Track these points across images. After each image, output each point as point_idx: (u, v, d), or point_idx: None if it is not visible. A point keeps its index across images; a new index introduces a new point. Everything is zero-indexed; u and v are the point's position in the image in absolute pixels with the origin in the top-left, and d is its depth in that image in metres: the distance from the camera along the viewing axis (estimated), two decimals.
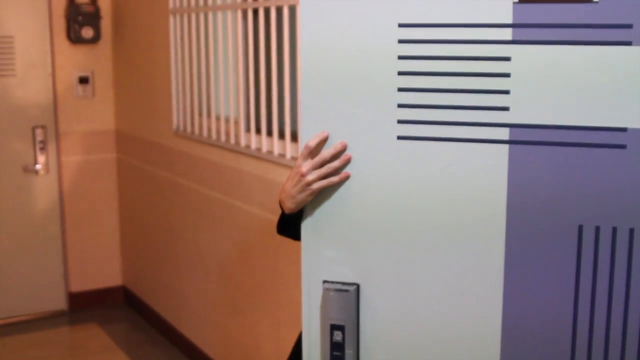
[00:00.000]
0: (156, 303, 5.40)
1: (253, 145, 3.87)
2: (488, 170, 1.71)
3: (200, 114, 4.41)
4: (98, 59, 5.61)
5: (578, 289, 1.67)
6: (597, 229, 1.65)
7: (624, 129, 1.62)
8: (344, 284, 1.84)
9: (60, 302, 5.72)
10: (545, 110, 1.66)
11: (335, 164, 1.81)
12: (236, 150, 4.02)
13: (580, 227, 1.66)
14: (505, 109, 1.68)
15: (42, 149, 5.44)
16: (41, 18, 5.39)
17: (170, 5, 4.61)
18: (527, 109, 1.67)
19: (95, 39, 5.52)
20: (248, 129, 3.97)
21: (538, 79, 1.66)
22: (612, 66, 1.61)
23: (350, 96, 1.80)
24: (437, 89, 1.73)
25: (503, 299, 1.73)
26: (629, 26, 1.59)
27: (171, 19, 4.63)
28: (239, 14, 3.95)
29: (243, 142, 3.96)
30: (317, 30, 1.82)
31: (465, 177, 1.73)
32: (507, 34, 1.67)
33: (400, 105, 1.77)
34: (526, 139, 1.67)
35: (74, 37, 5.45)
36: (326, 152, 1.81)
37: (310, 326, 1.89)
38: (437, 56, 1.73)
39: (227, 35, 4.04)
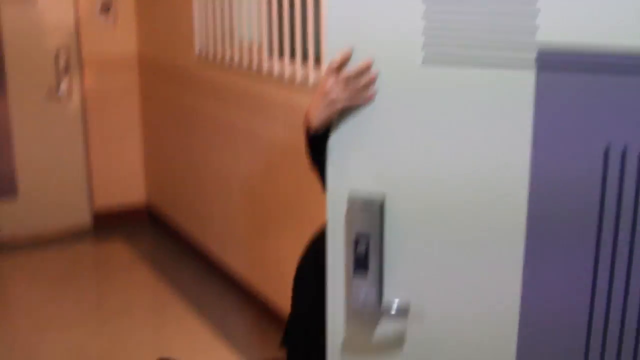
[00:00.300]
0: (180, 221, 5.52)
1: (276, 71, 3.92)
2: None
3: (223, 38, 4.45)
4: None
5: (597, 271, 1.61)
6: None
7: None
8: (369, 193, 1.80)
9: (85, 219, 5.89)
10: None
11: (360, 82, 1.74)
12: (259, 75, 4.08)
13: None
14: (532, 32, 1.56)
15: (65, 73, 5.53)
16: None
17: None
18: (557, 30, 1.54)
19: None
20: (271, 54, 4.00)
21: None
22: None
23: (376, 15, 1.72)
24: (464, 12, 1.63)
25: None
26: None
27: None
28: None
29: (266, 67, 4.00)
30: None
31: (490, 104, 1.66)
32: None
33: (426, 28, 1.67)
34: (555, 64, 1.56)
35: None
36: (351, 70, 1.74)
37: (335, 236, 1.86)
38: None
39: None
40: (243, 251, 4.57)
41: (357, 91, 1.75)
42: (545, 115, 1.58)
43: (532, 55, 1.56)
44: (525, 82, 1.58)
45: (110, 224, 5.92)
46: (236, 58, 4.31)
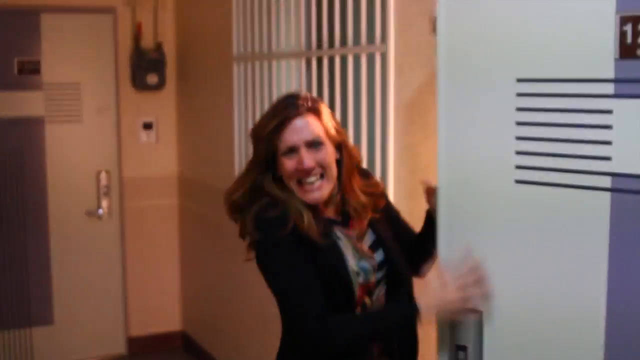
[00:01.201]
0: (216, 350, 5.37)
1: None
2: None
3: None
4: (162, 105, 5.66)
5: None
6: None
7: None
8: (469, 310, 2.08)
9: (120, 346, 5.73)
10: None
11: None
12: None
13: None
14: (608, 158, 1.78)
15: (105, 193, 5.49)
16: (107, 64, 5.47)
17: (235, 52, 4.63)
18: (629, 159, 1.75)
19: (160, 85, 5.58)
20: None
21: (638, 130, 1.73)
22: None
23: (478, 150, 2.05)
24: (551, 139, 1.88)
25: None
26: None
27: (235, 66, 4.65)
28: (303, 63, 3.95)
29: None
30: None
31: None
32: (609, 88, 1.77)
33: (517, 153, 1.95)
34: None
35: (139, 83, 5.51)
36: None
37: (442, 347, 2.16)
38: (551, 108, 1.88)
39: (291, 83, 4.04)
40: None
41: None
42: (620, 233, 1.77)
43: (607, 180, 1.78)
44: (601, 202, 1.79)
45: (145, 350, 5.74)
46: None
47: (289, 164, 2.23)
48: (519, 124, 1.94)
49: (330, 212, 2.33)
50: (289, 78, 4.09)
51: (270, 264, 2.33)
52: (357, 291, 2.25)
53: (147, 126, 5.63)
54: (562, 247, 1.88)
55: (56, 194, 5.43)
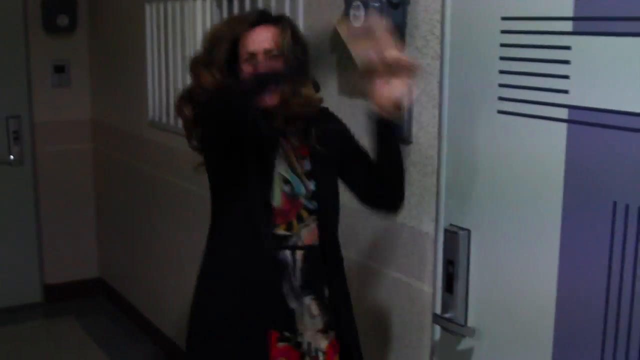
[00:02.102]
0: (133, 296, 5.32)
1: None
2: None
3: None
4: (74, 48, 5.51)
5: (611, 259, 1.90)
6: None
7: None
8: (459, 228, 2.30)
9: (36, 295, 5.63)
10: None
11: None
12: None
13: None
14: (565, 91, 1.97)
15: (16, 139, 5.33)
16: (15, 5, 5.28)
17: None
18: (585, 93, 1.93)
19: (71, 26, 5.42)
20: None
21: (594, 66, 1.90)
22: None
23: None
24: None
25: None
26: None
27: (147, 7, 4.54)
28: (214, 2, 3.87)
29: None
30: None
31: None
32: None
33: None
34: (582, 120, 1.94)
35: (50, 25, 5.33)
36: None
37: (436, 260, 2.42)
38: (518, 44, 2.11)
39: (204, 24, 3.96)
40: None
41: None
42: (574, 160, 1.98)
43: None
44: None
45: (62, 298, 5.65)
46: None
47: (247, 69, 2.24)
48: (502, 58, 2.15)
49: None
50: (200, 18, 4.00)
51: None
52: (281, 197, 2.27)
53: (59, 69, 5.47)
54: (522, 174, 2.10)
55: None
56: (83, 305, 5.62)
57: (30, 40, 5.35)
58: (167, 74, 4.39)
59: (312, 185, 2.31)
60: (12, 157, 5.34)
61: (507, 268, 2.19)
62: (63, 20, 5.35)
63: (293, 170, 2.31)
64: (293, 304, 2.30)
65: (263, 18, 2.30)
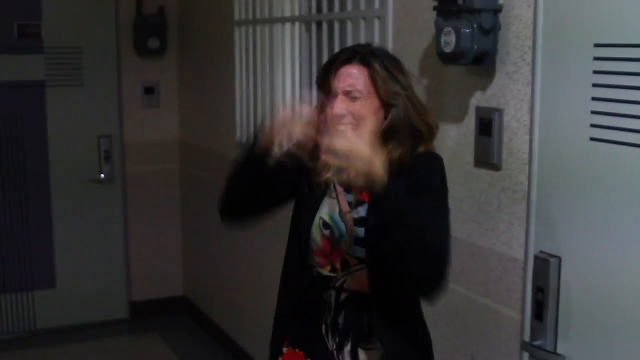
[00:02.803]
0: (217, 315, 5.38)
1: None
2: None
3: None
4: (164, 70, 5.63)
5: None
6: None
7: None
8: (550, 255, 2.31)
9: (122, 311, 5.75)
10: None
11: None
12: None
13: None
14: None
15: (107, 158, 5.47)
16: (108, 28, 5.44)
17: (236, 16, 4.60)
18: None
19: (162, 49, 5.55)
20: None
21: None
22: None
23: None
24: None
25: None
26: None
27: (236, 30, 4.62)
28: (303, 27, 3.92)
29: None
30: None
31: None
32: None
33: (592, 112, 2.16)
34: None
35: (141, 48, 5.47)
36: None
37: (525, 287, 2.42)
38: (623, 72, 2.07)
39: (292, 47, 4.01)
40: None
41: None
42: None
43: None
44: None
45: (147, 314, 5.76)
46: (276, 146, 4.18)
47: (329, 107, 2.21)
48: (595, 85, 2.14)
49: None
50: (289, 42, 4.06)
51: None
52: (320, 240, 2.27)
53: (149, 90, 5.60)
54: (619, 202, 2.07)
55: (57, 158, 5.41)
56: (167, 322, 5.72)
57: (122, 62, 5.50)
58: (255, 96, 4.45)
59: (361, 233, 2.21)
60: (102, 175, 5.48)
61: (598, 295, 2.16)
62: (154, 43, 5.48)
63: (341, 214, 2.26)
64: (330, 346, 2.27)
65: (352, 57, 2.23)
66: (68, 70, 5.37)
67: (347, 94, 2.18)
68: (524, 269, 2.42)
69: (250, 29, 4.44)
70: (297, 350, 2.34)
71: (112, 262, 5.67)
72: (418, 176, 2.13)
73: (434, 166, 2.20)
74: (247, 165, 2.29)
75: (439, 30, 2.55)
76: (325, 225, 2.27)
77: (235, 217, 2.47)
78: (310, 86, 3.82)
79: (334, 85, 2.20)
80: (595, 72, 2.14)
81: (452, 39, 2.49)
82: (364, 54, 2.22)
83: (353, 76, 2.19)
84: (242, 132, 4.66)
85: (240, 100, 4.66)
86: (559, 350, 2.30)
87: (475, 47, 2.48)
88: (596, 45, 2.13)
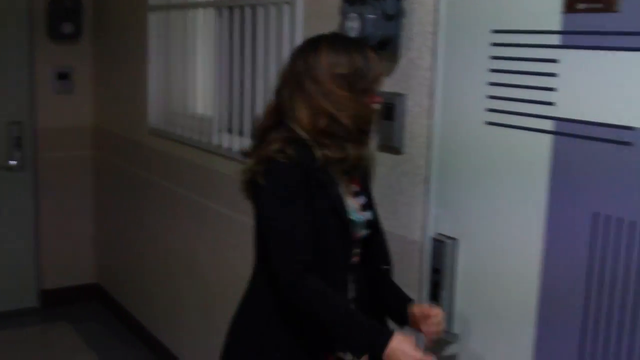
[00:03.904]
0: (128, 302, 5.34)
1: (225, 145, 3.83)
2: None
3: (176, 112, 4.37)
4: (78, 55, 5.55)
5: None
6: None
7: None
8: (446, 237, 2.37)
9: (32, 300, 5.65)
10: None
11: None
12: (209, 149, 3.98)
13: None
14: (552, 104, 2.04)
15: (17, 145, 5.37)
16: (21, 13, 5.33)
17: (150, 1, 4.57)
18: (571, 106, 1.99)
19: (76, 34, 5.47)
20: (220, 129, 3.91)
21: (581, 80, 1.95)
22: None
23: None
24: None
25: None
26: None
27: (150, 15, 4.58)
28: (215, 12, 3.91)
29: (215, 142, 3.92)
30: None
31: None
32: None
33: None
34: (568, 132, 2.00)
35: (55, 33, 5.39)
36: None
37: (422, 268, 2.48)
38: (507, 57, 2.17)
39: (205, 33, 4.01)
40: (188, 334, 4.39)
41: None
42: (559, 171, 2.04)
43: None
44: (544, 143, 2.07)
45: (58, 303, 5.67)
46: (187, 132, 4.19)
47: (377, 97, 2.22)
48: (492, 70, 2.21)
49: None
50: (202, 28, 4.06)
51: (272, 204, 2.16)
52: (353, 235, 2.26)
53: (63, 76, 5.51)
54: (512, 184, 2.16)
55: None
56: (79, 311, 5.64)
57: (35, 47, 5.39)
58: (168, 82, 4.43)
59: (369, 215, 2.29)
60: (13, 162, 5.37)
61: (491, 276, 2.22)
62: (68, 27, 5.40)
63: (352, 207, 2.28)
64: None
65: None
66: None
67: None
68: (421, 251, 2.46)
69: (164, 15, 4.41)
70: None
71: (21, 250, 5.56)
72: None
73: None
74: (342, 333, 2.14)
75: (344, 16, 2.59)
76: (353, 223, 2.25)
77: None
78: (222, 72, 3.81)
79: (380, 85, 2.23)
80: (492, 57, 2.19)
81: (357, 24, 2.52)
82: None
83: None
84: (155, 118, 4.63)
85: (153, 85, 4.63)
86: (455, 330, 2.35)
87: (380, 32, 2.51)
88: (494, 31, 2.18)
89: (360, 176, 2.30)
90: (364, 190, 2.31)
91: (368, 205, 2.31)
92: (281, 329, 2.21)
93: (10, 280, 5.53)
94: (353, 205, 2.25)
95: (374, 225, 2.31)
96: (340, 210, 2.18)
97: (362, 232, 2.27)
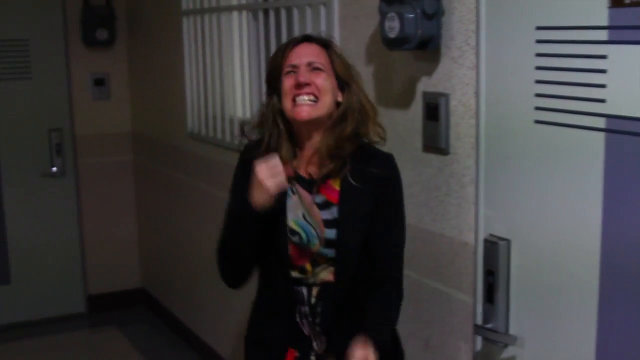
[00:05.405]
0: (174, 306, 5.36)
1: None
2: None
3: (214, 116, 4.36)
4: (113, 61, 5.58)
5: None
6: None
7: None
8: (499, 238, 2.32)
9: (79, 305, 5.70)
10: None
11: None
12: None
13: None
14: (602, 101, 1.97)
15: (58, 151, 5.41)
16: (55, 20, 5.36)
17: (184, 6, 4.56)
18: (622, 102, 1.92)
19: (110, 40, 5.49)
20: None
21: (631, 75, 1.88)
22: None
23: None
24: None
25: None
26: None
27: (184, 19, 4.58)
28: (250, 15, 3.90)
29: None
30: None
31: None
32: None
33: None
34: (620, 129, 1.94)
35: (89, 39, 5.41)
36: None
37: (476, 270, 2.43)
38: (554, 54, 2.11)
39: (240, 36, 3.99)
40: (235, 337, 4.38)
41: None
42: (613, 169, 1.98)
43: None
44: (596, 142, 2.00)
45: (104, 308, 5.72)
46: (227, 136, 4.18)
47: (287, 82, 2.23)
48: (538, 68, 2.15)
49: (310, 168, 2.31)
50: (237, 31, 4.04)
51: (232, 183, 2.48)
52: (290, 249, 2.28)
53: (99, 82, 5.54)
54: (564, 183, 2.10)
55: (8, 153, 5.34)
56: (125, 315, 5.69)
57: (70, 54, 5.42)
58: (205, 85, 4.42)
59: (332, 234, 2.27)
60: (54, 169, 5.42)
61: (546, 276, 2.19)
62: (102, 34, 5.42)
63: (309, 218, 2.29)
64: (306, 330, 2.35)
65: (307, 38, 2.32)
66: (16, 63, 5.29)
67: (309, 65, 2.24)
68: (474, 253, 2.43)
69: (199, 19, 4.40)
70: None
71: (67, 257, 5.61)
72: (390, 199, 2.32)
73: (398, 176, 2.36)
74: (243, 229, 2.31)
75: (382, 16, 2.55)
76: (292, 231, 2.29)
77: (242, 282, 2.52)
78: (259, 75, 3.80)
79: (292, 61, 2.25)
80: (537, 54, 2.15)
81: (396, 24, 2.49)
82: (317, 38, 2.33)
83: (314, 50, 2.27)
84: (192, 122, 4.63)
85: (190, 90, 4.63)
86: (511, 332, 2.32)
87: (419, 32, 2.48)
88: (538, 28, 2.14)
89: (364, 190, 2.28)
90: (343, 203, 2.27)
91: (335, 223, 2.27)
92: (256, 324, 2.54)
93: (57, 286, 5.60)
94: (304, 214, 2.29)
95: (338, 245, 2.28)
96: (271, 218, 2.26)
97: (318, 249, 2.28)
